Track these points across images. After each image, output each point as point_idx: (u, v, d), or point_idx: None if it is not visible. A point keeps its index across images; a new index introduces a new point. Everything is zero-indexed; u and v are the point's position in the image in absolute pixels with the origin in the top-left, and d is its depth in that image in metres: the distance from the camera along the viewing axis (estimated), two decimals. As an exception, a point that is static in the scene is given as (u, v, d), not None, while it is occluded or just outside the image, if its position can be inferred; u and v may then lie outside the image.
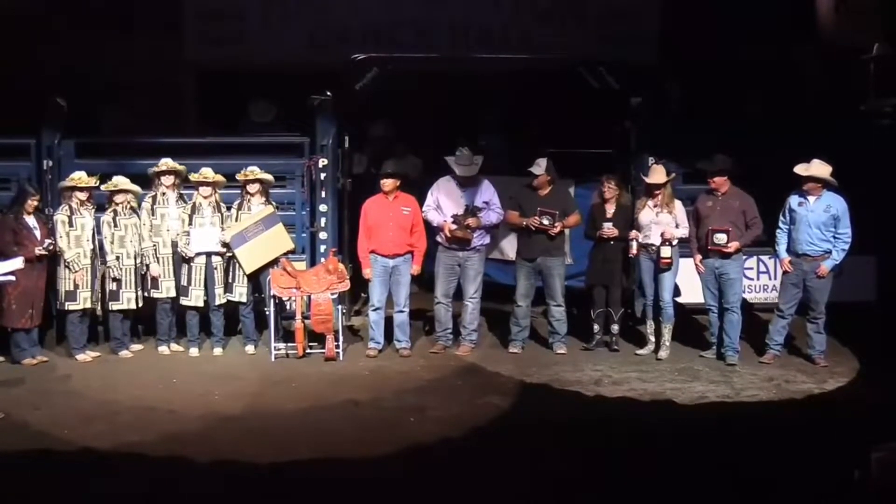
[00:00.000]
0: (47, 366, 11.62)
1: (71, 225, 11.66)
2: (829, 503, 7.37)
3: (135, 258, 11.94)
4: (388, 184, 12.04)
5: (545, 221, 11.84)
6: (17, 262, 10.83)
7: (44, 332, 12.05)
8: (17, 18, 15.41)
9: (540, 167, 12.02)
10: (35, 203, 11.59)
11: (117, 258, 11.85)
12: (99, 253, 11.89)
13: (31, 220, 11.50)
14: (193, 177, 12.16)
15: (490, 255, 13.22)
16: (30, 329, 11.61)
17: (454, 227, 11.89)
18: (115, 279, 11.86)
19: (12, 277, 10.94)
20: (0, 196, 12.02)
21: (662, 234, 11.67)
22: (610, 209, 12.05)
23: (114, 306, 11.96)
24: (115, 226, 11.89)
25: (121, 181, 11.98)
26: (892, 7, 14.87)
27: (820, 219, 11.38)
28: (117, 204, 11.93)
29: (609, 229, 11.93)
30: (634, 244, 11.86)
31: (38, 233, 11.47)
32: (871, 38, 15.33)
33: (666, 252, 11.65)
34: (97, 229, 11.89)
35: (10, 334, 11.58)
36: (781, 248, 11.64)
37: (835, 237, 11.38)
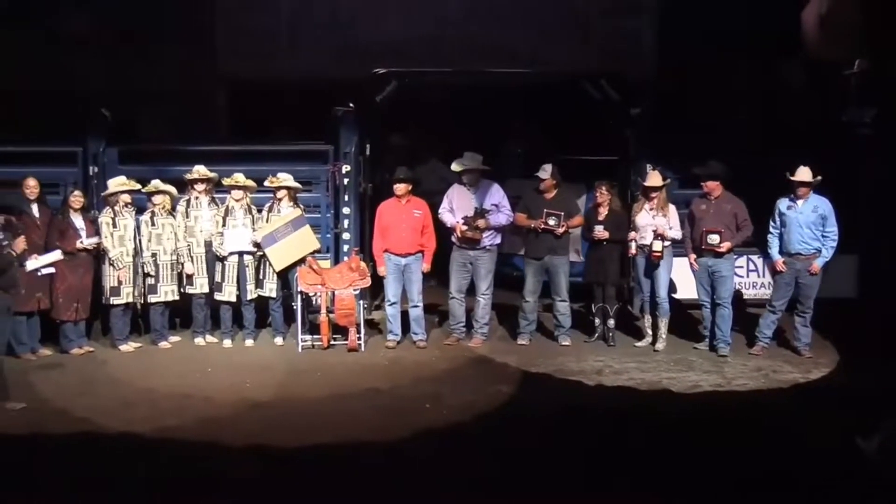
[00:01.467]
0: (92, 355, 11.65)
1: (114, 226, 11.69)
2: (814, 484, 7.35)
3: (171, 255, 11.98)
4: (400, 188, 12.06)
5: (551, 222, 11.84)
6: (56, 255, 11.08)
7: (90, 324, 12.08)
8: (64, 35, 15.49)
9: (546, 172, 12.03)
10: (79, 199, 11.64)
11: (153, 255, 11.89)
12: (139, 250, 11.93)
13: (78, 221, 11.54)
14: (226, 181, 12.20)
15: (520, 251, 13.26)
16: (77, 321, 11.67)
17: (464, 227, 11.89)
18: (148, 274, 11.90)
19: (52, 269, 11.10)
20: (50, 200, 11.98)
21: (655, 230, 11.65)
22: (602, 212, 12.03)
23: (153, 299, 11.98)
24: (153, 224, 11.94)
25: (158, 184, 12.05)
26: (871, 26, 14.83)
27: (809, 219, 11.35)
28: (155, 205, 11.99)
29: (600, 232, 11.92)
30: (633, 245, 11.87)
31: (84, 232, 11.51)
32: (852, 55, 15.31)
33: (657, 246, 11.62)
34: (137, 229, 11.92)
35: (59, 326, 11.63)
36: (774, 250, 11.57)
37: (823, 236, 11.35)
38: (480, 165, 12.17)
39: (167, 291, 12.01)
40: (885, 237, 13.13)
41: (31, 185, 11.49)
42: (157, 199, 11.99)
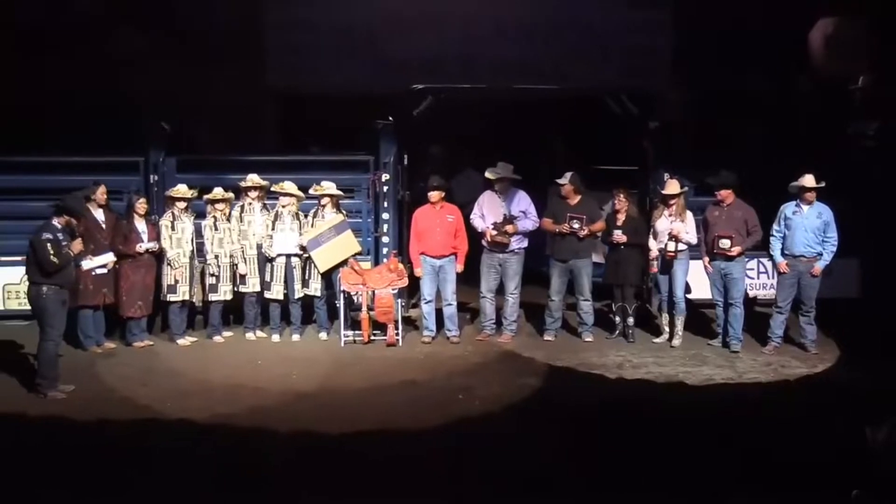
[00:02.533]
0: (153, 349, 11.74)
1: (173, 229, 11.79)
2: (819, 468, 7.31)
3: (229, 257, 12.06)
4: (434, 195, 12.10)
5: (575, 225, 11.84)
6: (108, 257, 11.20)
7: (151, 320, 12.17)
8: (126, 56, 15.62)
9: (565, 178, 12.06)
10: (143, 205, 11.77)
11: (216, 257, 11.97)
12: (197, 253, 12.02)
13: (141, 225, 11.66)
14: (274, 187, 12.27)
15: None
16: (140, 317, 11.77)
17: (494, 232, 11.90)
18: (212, 275, 11.99)
19: (105, 269, 11.22)
20: (115, 206, 12.09)
21: (671, 232, 11.64)
22: (621, 218, 12.01)
23: (213, 297, 12.08)
24: (216, 230, 12.01)
25: (220, 192, 12.13)
26: (875, 45, 14.77)
27: (814, 224, 11.34)
28: (218, 211, 12.06)
29: (619, 236, 11.91)
30: (655, 264, 11.90)
31: (146, 235, 11.62)
32: (856, 71, 15.23)
33: (671, 247, 11.61)
34: (196, 233, 12.01)
35: (124, 322, 11.75)
36: (777, 252, 11.55)
37: (824, 240, 11.33)
38: (512, 174, 12.18)
39: (225, 290, 12.10)
40: (885, 241, 13.05)
41: (102, 193, 11.63)
42: (220, 205, 12.08)
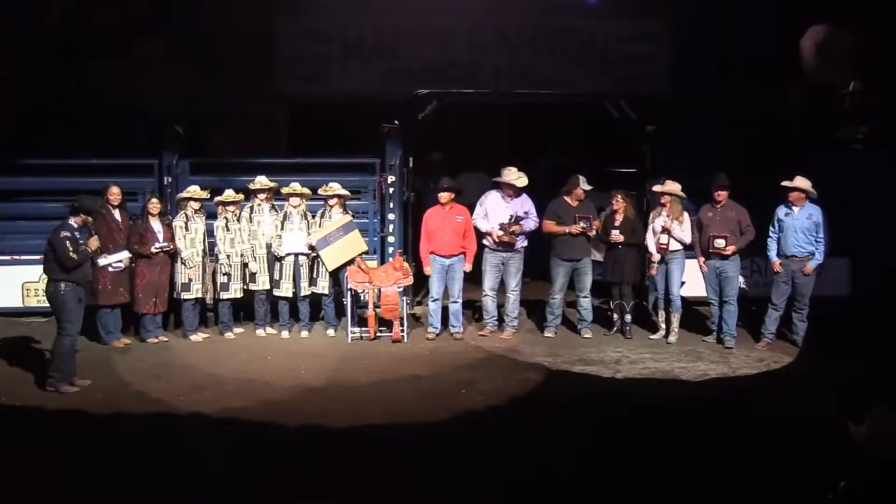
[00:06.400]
0: (167, 344, 11.70)
1: (187, 229, 11.76)
2: (808, 459, 7.27)
3: (240, 257, 12.03)
4: (444, 196, 12.05)
5: (583, 225, 11.83)
6: (123, 254, 11.22)
7: (166, 316, 12.15)
8: (141, 61, 15.65)
9: (586, 183, 12.01)
10: (156, 205, 11.73)
11: (228, 257, 11.94)
12: (210, 252, 12.00)
13: (156, 225, 11.62)
14: (284, 190, 12.25)
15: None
16: (155, 314, 11.75)
17: (500, 233, 11.86)
18: (225, 274, 11.96)
19: (121, 265, 11.25)
20: (130, 207, 12.09)
21: (663, 225, 11.65)
22: (619, 218, 12.00)
23: (224, 295, 12.04)
24: (228, 230, 11.98)
25: (231, 194, 12.11)
26: (863, 52, 14.76)
27: (804, 225, 11.33)
28: (229, 212, 12.04)
29: (616, 235, 11.91)
30: (655, 266, 11.85)
31: (161, 235, 11.60)
32: (846, 77, 15.22)
33: (663, 239, 11.64)
34: (208, 233, 11.99)
35: (139, 318, 11.73)
36: (772, 252, 11.54)
37: (816, 241, 11.32)
38: (521, 178, 12.11)
39: (236, 289, 12.07)
40: (874, 242, 13.03)
41: (115, 193, 11.60)
42: (230, 207, 12.05)
